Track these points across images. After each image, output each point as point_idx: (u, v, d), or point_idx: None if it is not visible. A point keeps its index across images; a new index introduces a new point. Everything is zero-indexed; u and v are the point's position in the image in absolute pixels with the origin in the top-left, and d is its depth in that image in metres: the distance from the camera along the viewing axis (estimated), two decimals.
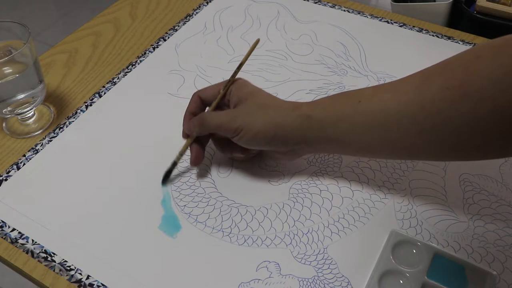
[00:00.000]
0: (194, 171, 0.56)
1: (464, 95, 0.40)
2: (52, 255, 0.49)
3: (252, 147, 0.52)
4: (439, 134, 0.43)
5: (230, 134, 0.50)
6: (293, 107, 0.50)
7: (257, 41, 0.57)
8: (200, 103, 0.55)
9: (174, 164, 0.55)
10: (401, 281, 0.46)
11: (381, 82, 0.66)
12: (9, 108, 0.59)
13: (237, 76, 0.55)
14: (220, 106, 0.55)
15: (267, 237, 0.51)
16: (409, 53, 0.71)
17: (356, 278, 0.47)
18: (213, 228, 0.51)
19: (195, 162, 0.54)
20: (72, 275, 0.48)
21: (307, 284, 0.47)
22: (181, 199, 0.54)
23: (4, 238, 0.51)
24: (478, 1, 0.97)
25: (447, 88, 0.41)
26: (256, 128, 0.49)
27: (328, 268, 0.48)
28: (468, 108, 0.40)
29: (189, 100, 0.56)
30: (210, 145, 0.58)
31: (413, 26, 0.75)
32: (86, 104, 0.65)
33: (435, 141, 0.44)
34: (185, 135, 0.55)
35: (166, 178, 0.55)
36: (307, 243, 0.50)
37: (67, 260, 0.49)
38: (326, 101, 0.50)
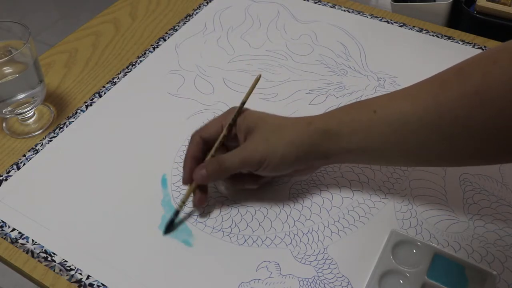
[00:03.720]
0: None
1: (482, 102, 0.39)
2: (52, 255, 0.49)
3: (277, 173, 0.50)
4: (458, 141, 0.42)
5: (255, 167, 0.48)
6: (307, 122, 0.48)
7: (259, 77, 0.53)
8: (202, 144, 0.51)
9: (177, 213, 0.51)
10: (401, 281, 0.46)
11: (381, 82, 0.66)
12: (9, 108, 0.59)
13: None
14: (224, 144, 0.51)
15: (267, 237, 0.51)
16: (409, 53, 0.71)
17: (356, 278, 0.47)
18: (213, 228, 0.51)
19: (199, 204, 0.52)
20: (72, 275, 0.48)
21: (307, 284, 0.47)
22: (181, 199, 0.54)
23: (4, 238, 0.51)
24: (478, 1, 0.97)
25: (464, 95, 0.40)
26: (280, 153, 0.47)
27: (328, 268, 0.48)
28: (487, 115, 0.39)
29: (188, 101, 0.56)
30: None
31: (413, 26, 0.75)
32: (86, 104, 0.65)
33: (454, 148, 0.43)
34: (188, 181, 0.51)
35: (170, 228, 0.51)
36: (307, 243, 0.50)
37: (67, 260, 0.49)
38: (340, 112, 0.48)
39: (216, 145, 0.51)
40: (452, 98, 0.41)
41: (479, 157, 0.44)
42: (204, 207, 0.53)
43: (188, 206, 0.53)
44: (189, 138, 0.54)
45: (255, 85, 0.53)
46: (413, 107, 0.43)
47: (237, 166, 0.48)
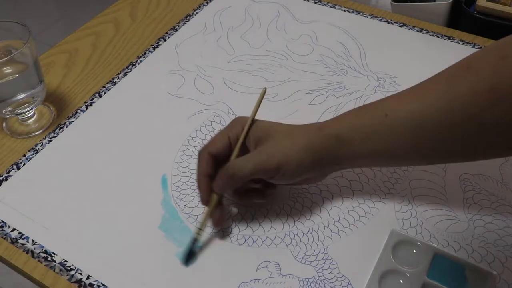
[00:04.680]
0: (195, 171, 0.56)
1: (496, 100, 0.39)
2: (52, 255, 0.49)
3: (292, 180, 0.48)
4: (473, 138, 0.42)
5: (271, 174, 0.46)
6: (317, 128, 0.47)
7: (264, 91, 0.52)
8: (212, 161, 0.49)
9: (194, 241, 0.49)
10: (401, 281, 0.46)
11: (381, 82, 0.66)
12: (9, 108, 0.59)
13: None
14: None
15: (267, 237, 0.51)
16: (409, 53, 0.71)
17: (357, 278, 0.47)
18: (213, 228, 0.51)
19: (218, 225, 0.50)
20: (72, 275, 0.48)
21: (307, 284, 0.47)
22: (181, 199, 0.54)
23: (4, 238, 0.51)
24: (478, 1, 0.97)
25: (476, 93, 0.40)
26: (296, 159, 0.46)
27: (329, 268, 0.48)
28: (500, 112, 0.39)
29: (188, 101, 0.55)
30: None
31: (413, 26, 0.75)
32: (86, 104, 0.65)
33: (468, 144, 0.43)
34: (206, 200, 0.49)
35: (190, 258, 0.48)
36: (307, 243, 0.50)
37: (67, 260, 0.49)
38: (350, 117, 0.47)
39: (236, 151, 0.49)
40: (465, 97, 0.40)
41: (492, 151, 0.44)
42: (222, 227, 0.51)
43: (189, 206, 0.53)
44: (190, 138, 0.54)
45: (261, 99, 0.51)
46: (424, 108, 0.43)
47: (250, 172, 0.46)
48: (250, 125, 0.49)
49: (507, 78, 0.39)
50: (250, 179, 0.48)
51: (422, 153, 0.45)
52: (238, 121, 0.50)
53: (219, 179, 0.48)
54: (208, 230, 0.51)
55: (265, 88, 0.52)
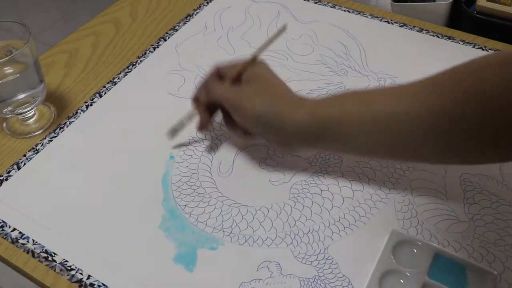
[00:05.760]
0: (195, 171, 0.56)
1: (474, 105, 0.41)
2: (53, 255, 0.49)
3: (248, 127, 0.52)
4: (447, 140, 0.43)
5: (230, 109, 0.52)
6: (299, 101, 0.50)
7: (284, 28, 0.55)
8: (217, 76, 0.55)
9: (182, 124, 0.57)
10: (402, 281, 0.46)
11: (382, 82, 0.66)
12: (9, 108, 0.59)
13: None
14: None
15: (268, 237, 0.51)
16: (409, 53, 0.71)
17: (357, 277, 0.47)
18: (214, 228, 0.51)
19: (200, 127, 0.56)
20: (73, 275, 0.48)
21: (308, 284, 0.47)
22: (181, 199, 0.54)
23: (5, 238, 0.51)
24: (478, 1, 0.97)
25: (457, 96, 0.42)
26: (256, 111, 0.50)
27: (329, 268, 0.48)
28: (478, 117, 0.41)
29: (189, 101, 0.56)
30: (215, 149, 0.58)
31: (413, 26, 0.75)
32: (86, 104, 0.65)
33: (441, 146, 0.44)
34: (195, 99, 0.57)
35: (174, 133, 0.58)
36: (308, 243, 0.50)
37: (67, 260, 0.49)
38: (332, 99, 0.49)
39: (230, 78, 0.54)
40: (445, 99, 0.42)
41: (464, 155, 0.45)
42: (205, 133, 0.59)
43: (189, 206, 0.53)
44: (190, 138, 0.55)
45: (275, 37, 0.55)
46: (404, 105, 0.44)
47: (217, 96, 0.53)
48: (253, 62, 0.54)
49: (485, 85, 0.40)
50: (216, 102, 0.54)
51: (393, 147, 0.47)
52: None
53: (201, 85, 0.56)
54: (209, 229, 0.51)
55: (286, 24, 0.56)
